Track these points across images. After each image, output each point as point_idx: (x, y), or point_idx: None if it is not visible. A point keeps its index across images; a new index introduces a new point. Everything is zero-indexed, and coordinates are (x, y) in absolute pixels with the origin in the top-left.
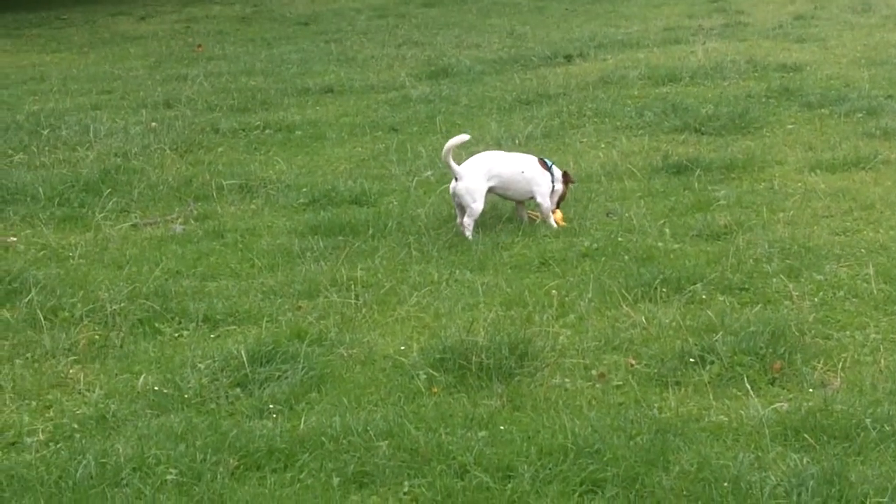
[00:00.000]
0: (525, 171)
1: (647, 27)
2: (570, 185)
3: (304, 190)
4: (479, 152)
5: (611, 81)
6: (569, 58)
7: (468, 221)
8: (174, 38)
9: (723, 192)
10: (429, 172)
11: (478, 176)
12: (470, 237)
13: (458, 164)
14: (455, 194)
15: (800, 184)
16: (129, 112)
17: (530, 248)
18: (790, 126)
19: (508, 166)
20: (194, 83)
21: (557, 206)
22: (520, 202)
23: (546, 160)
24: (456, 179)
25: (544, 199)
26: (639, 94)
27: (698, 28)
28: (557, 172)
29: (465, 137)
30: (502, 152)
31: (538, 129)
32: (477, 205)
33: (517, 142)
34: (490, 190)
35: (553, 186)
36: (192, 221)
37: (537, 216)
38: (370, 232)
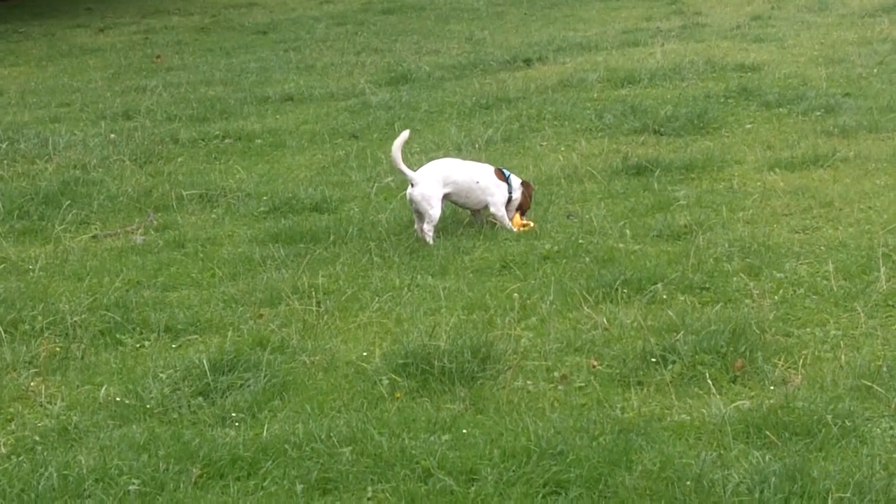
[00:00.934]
0: (480, 181)
1: (605, 30)
2: (528, 200)
3: (265, 198)
4: (436, 158)
5: (570, 84)
6: (528, 62)
7: (428, 227)
8: (133, 49)
9: (682, 192)
10: (389, 178)
11: (433, 182)
12: (431, 243)
13: (413, 169)
14: (412, 200)
15: (759, 183)
16: (89, 124)
17: (491, 251)
18: (749, 125)
19: (464, 174)
20: (153, 94)
21: (520, 214)
22: (475, 210)
23: (504, 170)
24: (412, 185)
25: (498, 209)
26: (598, 97)
27: (656, 30)
28: (516, 182)
29: (405, 134)
30: (459, 160)
31: (498, 133)
32: (434, 210)
33: (477, 146)
34: (445, 196)
35: (510, 196)
36: (153, 232)
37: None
38: (331, 239)
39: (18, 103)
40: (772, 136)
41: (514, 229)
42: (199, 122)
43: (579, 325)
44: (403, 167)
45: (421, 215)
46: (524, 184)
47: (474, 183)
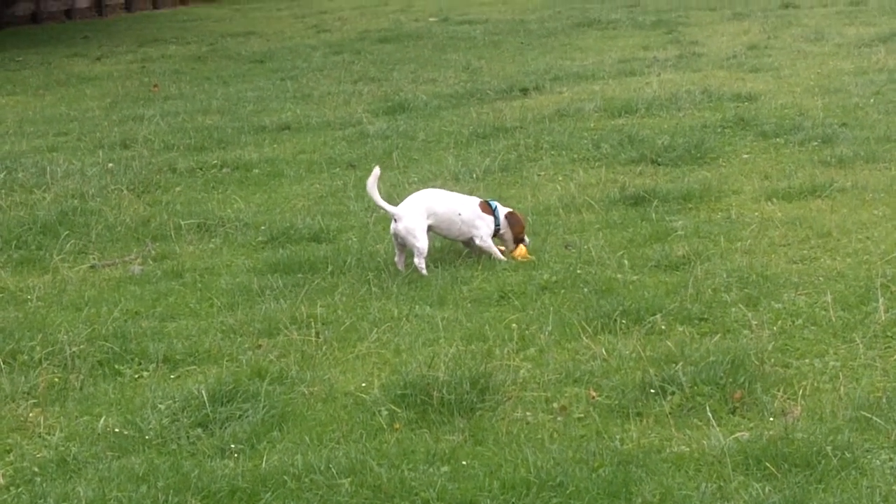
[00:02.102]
0: (462, 213)
1: (602, 59)
2: (520, 230)
3: (263, 228)
4: (434, 187)
5: (567, 114)
6: (525, 91)
7: (418, 260)
8: (130, 78)
9: (680, 222)
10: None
11: (416, 214)
12: (425, 273)
13: (395, 203)
14: (396, 235)
15: (756, 213)
16: (86, 153)
17: (490, 281)
18: (746, 156)
19: (445, 206)
20: (151, 123)
21: (520, 241)
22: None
23: (490, 202)
24: (395, 220)
25: (483, 241)
26: (595, 126)
27: (653, 60)
28: (502, 215)
29: (377, 171)
30: (442, 191)
31: (495, 162)
32: (421, 243)
33: (475, 176)
34: (429, 228)
35: (498, 230)
36: (151, 262)
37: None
38: (329, 269)
39: (16, 132)
40: (769, 166)
41: (502, 256)
42: (196, 152)
43: (578, 356)
44: (383, 203)
45: (403, 248)
46: (510, 214)
47: (456, 215)
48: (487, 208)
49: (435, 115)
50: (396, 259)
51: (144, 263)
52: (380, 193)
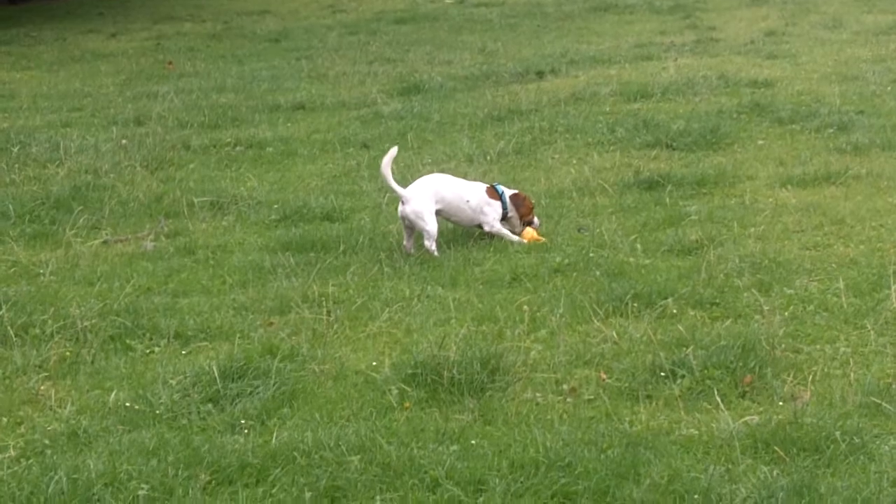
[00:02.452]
0: (470, 201)
1: (618, 43)
2: (526, 210)
3: (276, 206)
4: (446, 170)
5: (582, 98)
6: (540, 74)
7: (429, 242)
8: (144, 55)
9: (694, 207)
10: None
11: (424, 198)
12: (436, 254)
13: (404, 186)
14: (404, 217)
15: (771, 199)
16: (100, 129)
17: (502, 263)
18: (761, 142)
19: (453, 192)
20: (165, 100)
21: (528, 223)
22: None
23: (497, 187)
24: (403, 203)
25: (493, 227)
26: (610, 111)
27: (670, 44)
28: (507, 198)
29: (394, 152)
30: (450, 177)
31: (510, 145)
32: (430, 226)
33: (489, 158)
34: (437, 213)
35: (506, 213)
36: (163, 238)
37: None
38: (342, 248)
39: (30, 107)
40: (784, 152)
41: (516, 238)
42: (210, 129)
43: (589, 339)
44: (394, 184)
45: (411, 231)
46: (515, 196)
47: (464, 202)
48: (494, 193)
49: (450, 97)
50: (405, 242)
51: (157, 240)
52: (393, 175)
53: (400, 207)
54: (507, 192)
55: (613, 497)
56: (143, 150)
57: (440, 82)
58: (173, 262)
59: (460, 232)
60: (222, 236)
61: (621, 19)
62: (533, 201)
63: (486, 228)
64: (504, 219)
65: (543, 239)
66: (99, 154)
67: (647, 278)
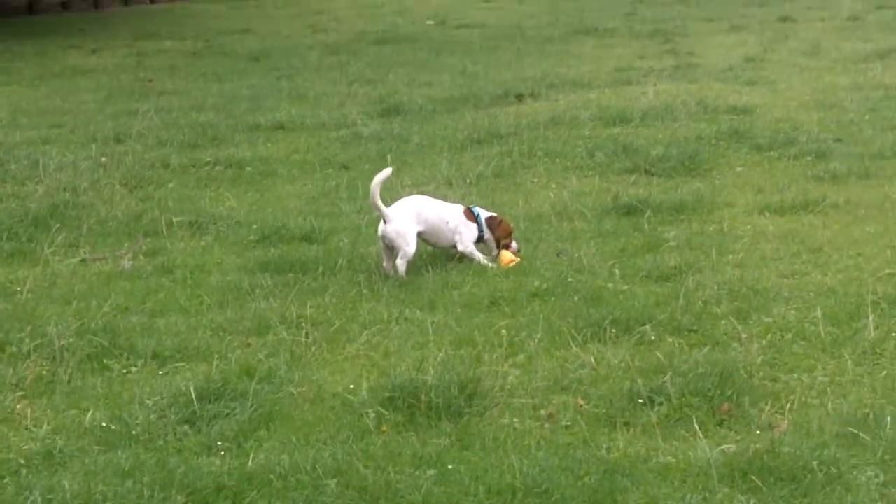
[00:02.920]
0: (450, 222)
1: (598, 67)
2: (503, 233)
3: (255, 227)
4: (425, 192)
5: (562, 121)
6: (520, 97)
7: (401, 263)
8: (125, 72)
9: (672, 233)
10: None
11: (407, 218)
12: (404, 275)
13: (386, 206)
14: (384, 237)
15: (749, 226)
16: (79, 146)
17: (480, 287)
18: (739, 168)
19: (434, 213)
20: (145, 118)
21: (505, 247)
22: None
23: (473, 209)
24: (385, 222)
25: (466, 247)
26: (590, 135)
27: (649, 69)
28: (483, 220)
29: (388, 172)
30: (429, 198)
31: (489, 168)
32: (410, 248)
33: (468, 180)
34: (418, 235)
35: (482, 235)
36: (142, 257)
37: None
38: (320, 269)
39: (9, 123)
40: (762, 179)
41: (483, 260)
42: (190, 148)
43: (567, 364)
44: (380, 203)
45: (391, 252)
46: (490, 219)
47: (444, 223)
48: (471, 215)
49: (430, 119)
50: (385, 264)
51: (135, 259)
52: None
53: (381, 227)
54: (484, 215)
55: None
56: (123, 168)
57: (420, 104)
58: (151, 282)
59: (439, 255)
60: (201, 256)
61: (601, 43)
62: (511, 225)
63: (460, 248)
64: (480, 241)
65: (517, 258)
66: (78, 171)
67: (625, 304)
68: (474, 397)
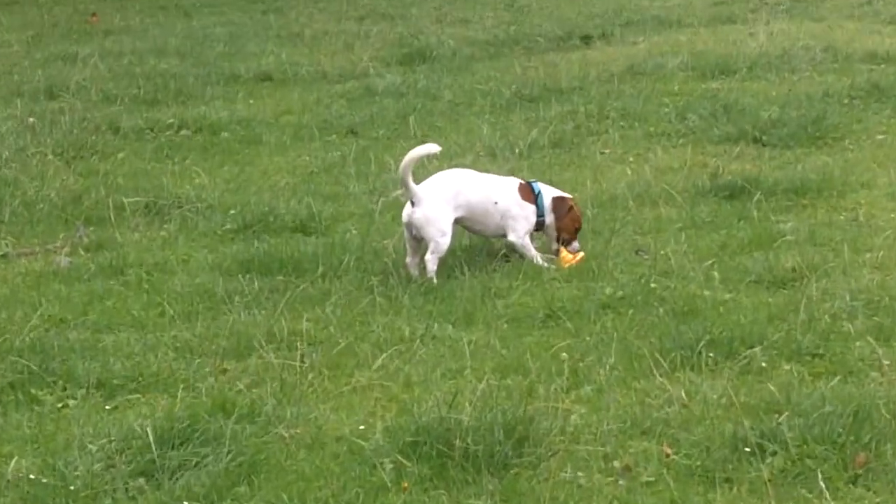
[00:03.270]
0: (499, 202)
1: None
2: (570, 223)
3: (233, 212)
4: (459, 166)
5: (642, 72)
6: (587, 39)
7: (431, 259)
8: (60, 3)
9: (790, 224)
10: (399, 191)
11: (442, 202)
12: (433, 276)
13: (417, 183)
14: (411, 223)
15: (893, 214)
16: (0, 103)
17: (533, 295)
18: (881, 137)
19: (480, 192)
20: (86, 65)
21: (565, 243)
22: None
23: (534, 185)
24: (412, 204)
25: (518, 238)
26: (680, 91)
27: (760, 2)
28: (547, 199)
29: (434, 148)
30: (474, 172)
31: (545, 135)
32: (444, 239)
33: (517, 152)
34: (456, 221)
35: (542, 220)
36: (82, 252)
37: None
38: (320, 270)
39: None
40: None
41: (543, 263)
42: (146, 106)
43: (648, 399)
44: (410, 180)
45: (418, 245)
46: (558, 200)
47: (492, 204)
48: (529, 193)
49: (466, 68)
50: (408, 260)
51: (74, 253)
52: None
53: (406, 210)
54: (549, 194)
55: None
56: (57, 132)
57: (453, 48)
58: (95, 285)
59: (477, 248)
60: (161, 251)
61: None
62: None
63: (511, 238)
64: (539, 228)
65: (580, 255)
66: None
67: (726, 319)
68: (525, 443)
